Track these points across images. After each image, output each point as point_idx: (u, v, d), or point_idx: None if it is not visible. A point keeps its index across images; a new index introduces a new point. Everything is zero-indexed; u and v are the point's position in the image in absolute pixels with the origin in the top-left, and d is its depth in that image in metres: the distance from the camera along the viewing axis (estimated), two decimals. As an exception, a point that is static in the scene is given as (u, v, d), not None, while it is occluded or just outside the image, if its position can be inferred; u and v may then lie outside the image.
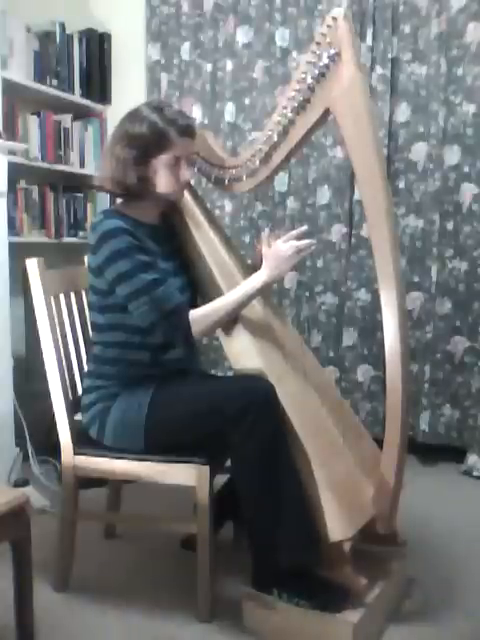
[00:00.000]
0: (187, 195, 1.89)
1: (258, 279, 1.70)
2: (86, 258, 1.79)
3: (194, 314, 1.67)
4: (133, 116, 1.71)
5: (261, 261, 1.73)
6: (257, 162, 1.76)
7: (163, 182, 1.72)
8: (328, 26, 1.54)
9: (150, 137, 1.67)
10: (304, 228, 1.71)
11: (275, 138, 1.70)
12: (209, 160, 1.87)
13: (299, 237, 1.69)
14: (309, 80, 1.59)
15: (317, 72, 1.57)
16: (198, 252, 1.84)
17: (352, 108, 1.54)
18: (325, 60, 1.55)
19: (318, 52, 1.56)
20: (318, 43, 1.56)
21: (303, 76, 1.60)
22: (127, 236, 1.66)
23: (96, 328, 1.80)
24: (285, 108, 1.66)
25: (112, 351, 1.76)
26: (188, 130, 1.71)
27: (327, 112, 1.61)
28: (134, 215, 1.74)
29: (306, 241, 1.68)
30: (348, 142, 1.57)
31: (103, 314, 1.75)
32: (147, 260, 1.67)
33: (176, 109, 1.73)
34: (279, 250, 1.67)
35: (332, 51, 1.54)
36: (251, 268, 1.87)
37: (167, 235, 1.85)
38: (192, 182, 1.89)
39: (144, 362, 1.75)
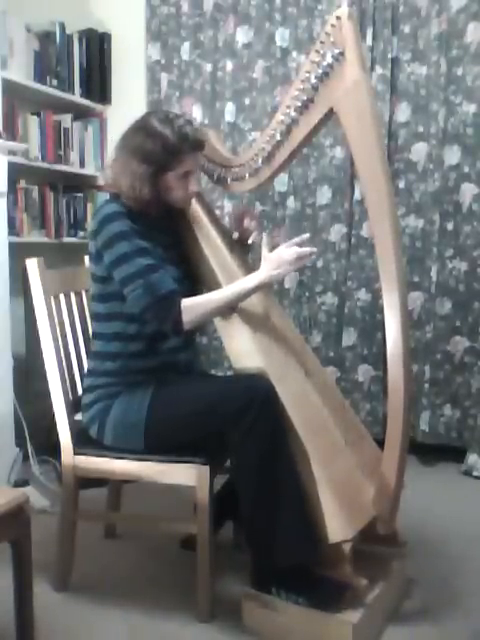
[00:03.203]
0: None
1: (254, 278, 1.70)
2: (87, 258, 1.79)
3: (186, 302, 1.67)
4: (143, 130, 1.69)
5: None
6: (260, 161, 1.76)
7: (173, 195, 1.75)
8: (332, 25, 1.53)
9: (163, 154, 1.67)
10: (306, 235, 1.72)
11: (278, 137, 1.70)
12: (212, 159, 1.87)
13: (301, 244, 1.70)
14: (313, 79, 1.59)
15: (321, 71, 1.57)
16: (200, 251, 1.83)
17: (356, 108, 1.54)
18: (329, 59, 1.55)
19: (322, 51, 1.56)
20: (322, 42, 1.56)
21: (307, 75, 1.60)
22: (127, 220, 1.67)
23: (96, 318, 1.80)
24: (288, 107, 1.66)
25: (113, 345, 1.75)
26: (199, 145, 1.73)
27: (330, 112, 1.61)
28: None
29: (307, 249, 1.69)
30: (351, 142, 1.57)
31: (103, 303, 1.75)
32: (145, 246, 1.68)
33: (185, 119, 1.72)
34: (281, 254, 1.68)
35: (336, 51, 1.54)
36: (252, 268, 1.87)
37: (167, 225, 1.84)
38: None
39: (140, 353, 1.74)
